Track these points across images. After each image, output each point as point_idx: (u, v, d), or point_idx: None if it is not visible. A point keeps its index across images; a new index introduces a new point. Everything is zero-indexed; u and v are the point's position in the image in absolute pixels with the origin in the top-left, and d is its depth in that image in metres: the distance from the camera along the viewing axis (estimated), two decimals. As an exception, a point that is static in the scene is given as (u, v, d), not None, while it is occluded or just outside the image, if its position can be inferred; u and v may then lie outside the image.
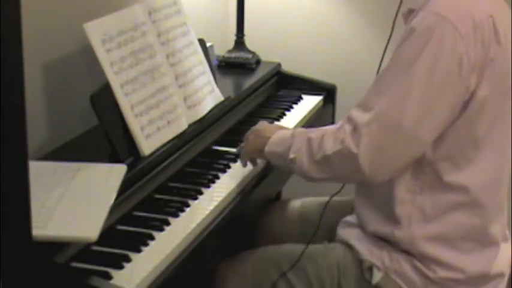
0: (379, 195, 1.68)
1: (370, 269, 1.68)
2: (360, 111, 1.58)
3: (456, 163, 1.60)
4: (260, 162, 1.91)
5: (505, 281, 1.74)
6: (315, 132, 1.68)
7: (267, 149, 1.77)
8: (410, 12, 1.64)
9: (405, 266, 1.65)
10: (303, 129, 1.75)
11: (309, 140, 1.66)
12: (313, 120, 2.33)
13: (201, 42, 2.08)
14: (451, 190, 1.61)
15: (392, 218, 1.65)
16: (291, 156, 1.67)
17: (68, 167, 1.57)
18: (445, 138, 1.58)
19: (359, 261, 1.70)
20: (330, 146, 1.60)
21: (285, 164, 1.72)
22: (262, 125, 1.87)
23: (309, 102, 2.41)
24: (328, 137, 1.62)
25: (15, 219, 0.90)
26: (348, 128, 1.59)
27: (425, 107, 1.53)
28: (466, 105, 1.56)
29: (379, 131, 1.54)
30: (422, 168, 1.61)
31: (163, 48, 1.89)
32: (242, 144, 1.88)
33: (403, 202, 1.63)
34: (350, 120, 1.60)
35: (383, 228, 1.67)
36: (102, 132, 1.69)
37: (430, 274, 1.63)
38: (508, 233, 1.76)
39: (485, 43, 1.54)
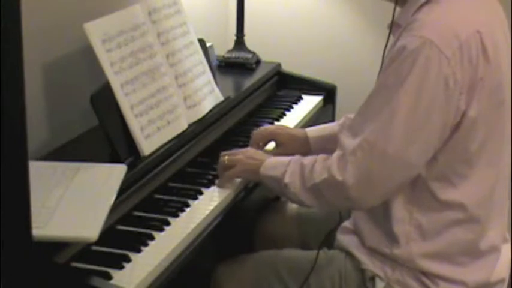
0: (377, 213, 1.66)
1: (373, 278, 1.66)
2: (348, 136, 1.58)
3: (451, 181, 1.58)
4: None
5: (505, 285, 1.73)
6: (308, 159, 1.67)
7: (262, 171, 1.74)
8: (397, 27, 1.62)
9: (407, 277, 1.63)
10: (299, 156, 1.72)
11: (302, 166, 1.66)
12: (313, 120, 2.33)
13: (201, 42, 2.08)
14: (447, 208, 1.60)
15: (391, 236, 1.63)
16: (286, 181, 1.67)
17: (68, 167, 1.58)
18: (437, 158, 1.56)
19: (361, 271, 1.68)
20: (318, 174, 1.61)
21: (279, 188, 1.70)
22: (246, 150, 1.83)
23: (309, 102, 2.41)
24: (318, 164, 1.63)
25: (15, 219, 0.89)
26: (336, 154, 1.59)
27: (411, 132, 1.51)
28: (457, 126, 1.54)
29: (365, 158, 1.53)
30: (417, 187, 1.59)
31: (163, 48, 1.89)
32: (220, 169, 1.81)
33: (400, 221, 1.61)
34: (339, 145, 1.60)
35: (381, 246, 1.65)
36: (102, 132, 1.69)
37: (433, 286, 1.62)
38: (508, 234, 1.76)
39: (473, 62, 1.51)
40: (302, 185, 1.64)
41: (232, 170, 1.78)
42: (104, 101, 1.68)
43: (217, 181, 1.81)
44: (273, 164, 1.73)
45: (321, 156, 1.65)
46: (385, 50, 1.65)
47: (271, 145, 1.97)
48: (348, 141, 1.57)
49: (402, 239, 1.61)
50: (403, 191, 1.60)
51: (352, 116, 1.69)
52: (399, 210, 1.61)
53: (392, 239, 1.63)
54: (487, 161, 1.60)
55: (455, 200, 1.59)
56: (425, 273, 1.62)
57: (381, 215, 1.64)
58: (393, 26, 1.65)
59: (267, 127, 2.01)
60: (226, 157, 1.80)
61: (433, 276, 1.62)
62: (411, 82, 1.49)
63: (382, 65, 1.65)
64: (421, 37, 1.49)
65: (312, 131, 1.98)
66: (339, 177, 1.56)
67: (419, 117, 1.50)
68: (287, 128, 2.04)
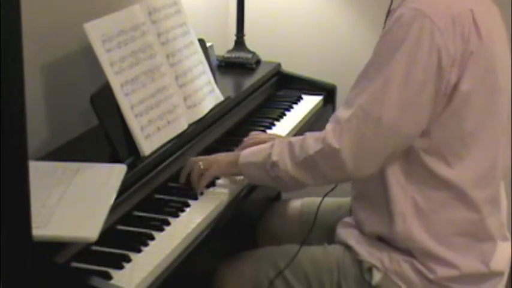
0: (374, 197, 1.68)
1: (370, 269, 1.68)
2: (343, 109, 1.61)
3: (446, 160, 1.61)
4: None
5: (504, 280, 1.73)
6: (294, 138, 1.69)
7: (241, 160, 1.73)
8: (392, 12, 1.64)
9: (405, 266, 1.65)
10: (280, 139, 1.73)
11: (290, 143, 1.67)
12: (313, 120, 2.33)
13: (201, 42, 2.08)
14: (442, 186, 1.62)
15: (388, 217, 1.65)
16: (274, 158, 1.66)
17: (68, 167, 1.58)
18: (432, 134, 1.59)
19: (358, 262, 1.70)
20: (312, 146, 1.62)
21: (264, 173, 1.69)
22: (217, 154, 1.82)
23: (309, 102, 2.41)
24: (309, 138, 1.64)
25: (15, 219, 0.90)
26: (329, 125, 1.61)
27: (404, 101, 1.54)
28: (449, 99, 1.56)
29: (360, 126, 1.56)
30: (413, 165, 1.62)
31: (163, 48, 1.89)
32: (191, 171, 1.77)
33: (397, 200, 1.63)
34: (333, 118, 1.62)
35: (380, 227, 1.67)
36: (102, 132, 1.69)
37: (430, 275, 1.63)
38: (507, 233, 1.76)
39: (464, 36, 1.54)
40: (293, 161, 1.65)
41: (210, 171, 1.75)
42: (104, 101, 1.69)
43: (205, 190, 1.75)
44: (253, 151, 1.74)
45: (309, 133, 1.67)
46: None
47: None
48: (343, 112, 1.59)
49: (400, 217, 1.63)
50: (399, 168, 1.62)
51: None
52: (395, 189, 1.63)
53: (390, 219, 1.64)
54: (483, 144, 1.62)
55: (449, 179, 1.61)
56: (422, 259, 1.63)
57: (379, 197, 1.66)
58: (389, 14, 1.68)
59: (258, 134, 1.97)
60: (200, 162, 1.76)
61: (430, 260, 1.63)
62: (404, 51, 1.52)
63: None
64: (415, 9, 1.54)
65: None
66: (335, 145, 1.57)
67: (413, 86, 1.53)
68: (278, 135, 2.03)
